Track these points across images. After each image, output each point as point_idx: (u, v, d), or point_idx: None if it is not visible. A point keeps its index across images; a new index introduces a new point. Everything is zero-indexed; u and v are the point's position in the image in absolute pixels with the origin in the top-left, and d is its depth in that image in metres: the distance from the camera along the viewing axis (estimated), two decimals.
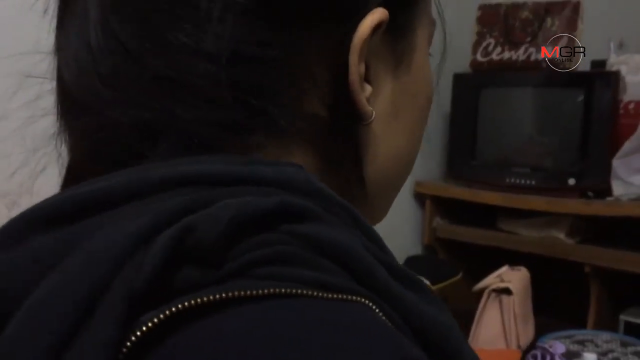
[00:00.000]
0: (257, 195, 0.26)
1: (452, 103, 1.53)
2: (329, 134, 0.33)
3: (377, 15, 0.32)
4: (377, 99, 0.35)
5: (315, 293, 0.25)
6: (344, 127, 0.34)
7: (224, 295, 0.23)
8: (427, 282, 1.41)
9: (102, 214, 0.26)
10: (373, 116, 0.34)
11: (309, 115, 0.32)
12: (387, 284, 0.27)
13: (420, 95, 0.39)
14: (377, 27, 0.32)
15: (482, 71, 1.50)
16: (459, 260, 1.56)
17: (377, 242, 0.29)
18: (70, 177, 0.35)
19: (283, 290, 0.24)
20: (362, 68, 0.33)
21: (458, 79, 1.51)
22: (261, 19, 0.30)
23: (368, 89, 0.34)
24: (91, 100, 0.31)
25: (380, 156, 0.36)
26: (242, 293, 0.24)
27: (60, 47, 0.34)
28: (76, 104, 0.32)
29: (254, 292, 0.24)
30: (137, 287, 0.23)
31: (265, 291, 0.24)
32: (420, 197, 1.62)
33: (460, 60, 1.53)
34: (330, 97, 0.33)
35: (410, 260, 1.52)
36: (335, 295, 0.25)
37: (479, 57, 1.50)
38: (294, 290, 0.24)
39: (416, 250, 1.63)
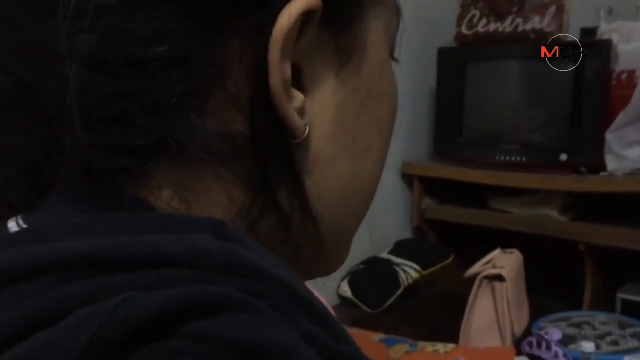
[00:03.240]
0: (148, 285, 0.20)
1: (438, 79, 1.47)
2: (256, 157, 0.26)
3: (303, 1, 0.25)
4: (316, 110, 0.27)
5: None
6: (274, 147, 0.26)
7: None
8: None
9: None
10: (306, 132, 0.27)
11: (224, 134, 0.25)
12: None
13: (378, 103, 0.31)
14: (306, 17, 0.25)
15: (467, 44, 1.44)
16: (450, 242, 1.52)
17: (325, 323, 0.22)
18: None
19: None
20: (288, 69, 0.25)
21: (443, 53, 1.45)
22: (147, 6, 0.23)
23: (299, 96, 0.27)
24: None
25: (329, 185, 0.29)
26: None
27: None
28: None
29: None
30: None
31: None
32: (408, 178, 1.57)
33: (445, 34, 1.46)
34: (250, 109, 0.25)
35: (400, 245, 1.47)
36: None
37: (464, 30, 1.43)
38: None
39: (406, 232, 1.58)
